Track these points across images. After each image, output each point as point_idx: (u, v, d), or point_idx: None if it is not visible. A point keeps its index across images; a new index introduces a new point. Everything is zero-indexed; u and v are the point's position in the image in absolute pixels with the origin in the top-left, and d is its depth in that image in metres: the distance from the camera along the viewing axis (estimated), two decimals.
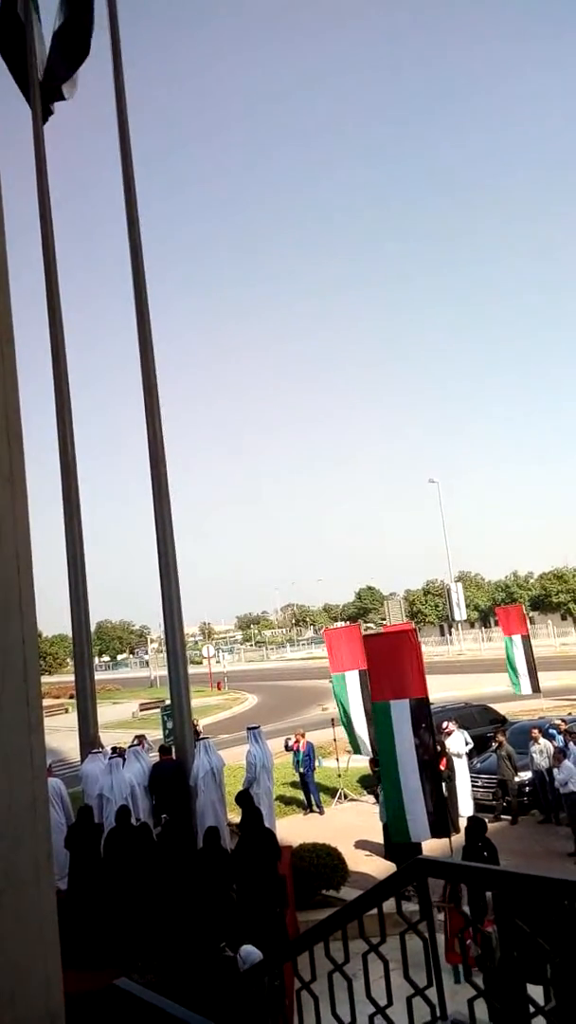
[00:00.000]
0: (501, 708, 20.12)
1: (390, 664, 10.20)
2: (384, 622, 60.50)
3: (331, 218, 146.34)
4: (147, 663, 69.32)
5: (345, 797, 15.82)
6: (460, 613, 54.56)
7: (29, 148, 12.94)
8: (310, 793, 15.39)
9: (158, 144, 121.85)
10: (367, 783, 15.93)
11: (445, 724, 14.26)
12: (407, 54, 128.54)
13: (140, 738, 13.21)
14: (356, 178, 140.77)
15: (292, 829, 13.23)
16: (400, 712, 9.85)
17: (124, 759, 11.12)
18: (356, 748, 15.33)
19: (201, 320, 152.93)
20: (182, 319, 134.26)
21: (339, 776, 16.30)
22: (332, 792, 15.92)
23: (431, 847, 10.03)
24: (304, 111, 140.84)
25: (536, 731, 13.96)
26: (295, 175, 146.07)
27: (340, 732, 17.81)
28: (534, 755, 13.50)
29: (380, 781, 11.05)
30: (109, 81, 12.49)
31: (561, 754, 12.30)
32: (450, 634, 63.30)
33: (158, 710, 25.70)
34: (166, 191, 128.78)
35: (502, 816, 13.76)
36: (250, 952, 6.40)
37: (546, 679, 22.74)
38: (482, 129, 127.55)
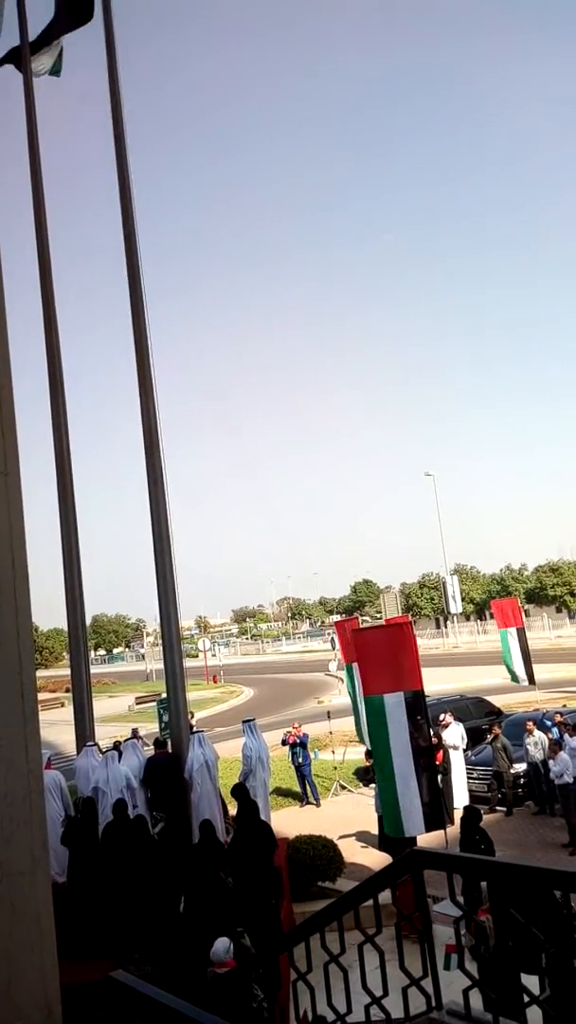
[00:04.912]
0: (496, 700, 20.18)
1: (385, 657, 10.20)
2: (380, 615, 60.60)
3: (328, 207, 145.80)
4: (143, 657, 69.37)
5: (341, 789, 15.87)
6: (455, 606, 54.73)
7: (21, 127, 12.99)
8: (307, 785, 15.42)
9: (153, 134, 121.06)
10: (363, 775, 15.99)
11: (442, 716, 14.31)
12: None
13: (134, 731, 13.24)
14: (350, 169, 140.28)
15: (288, 821, 13.27)
16: (395, 705, 9.86)
17: (121, 753, 11.12)
18: (362, 738, 15.35)
19: (193, 314, 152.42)
20: (176, 309, 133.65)
21: (335, 768, 16.35)
22: (328, 784, 15.97)
23: (426, 838, 10.07)
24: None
25: (531, 723, 14.03)
26: (290, 166, 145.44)
27: (336, 724, 17.84)
28: (529, 747, 13.56)
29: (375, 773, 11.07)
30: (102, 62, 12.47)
31: (557, 746, 12.35)
32: (446, 627, 63.45)
33: (154, 703, 25.71)
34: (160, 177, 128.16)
35: (497, 807, 13.83)
36: (221, 943, 5.91)
37: (541, 672, 22.83)
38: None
